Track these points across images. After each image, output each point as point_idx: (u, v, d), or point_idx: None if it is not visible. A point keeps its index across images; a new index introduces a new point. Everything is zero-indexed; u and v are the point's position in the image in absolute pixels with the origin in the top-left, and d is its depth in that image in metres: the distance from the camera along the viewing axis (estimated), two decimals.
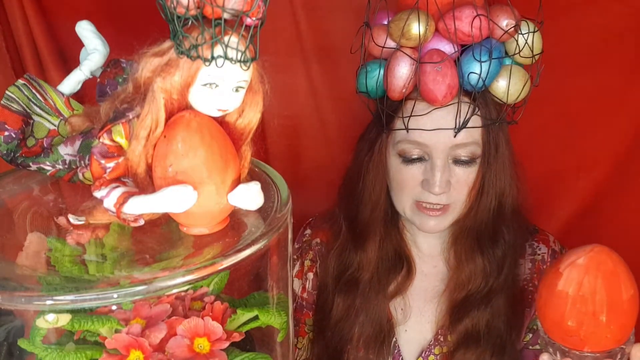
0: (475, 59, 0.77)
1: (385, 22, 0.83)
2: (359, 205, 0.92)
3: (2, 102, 0.57)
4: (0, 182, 0.62)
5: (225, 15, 0.46)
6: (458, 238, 0.91)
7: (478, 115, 0.81)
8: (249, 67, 0.48)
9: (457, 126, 0.80)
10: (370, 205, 0.91)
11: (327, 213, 1.01)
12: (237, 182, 0.51)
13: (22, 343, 0.53)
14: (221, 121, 0.51)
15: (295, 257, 1.02)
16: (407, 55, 0.79)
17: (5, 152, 0.57)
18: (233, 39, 0.47)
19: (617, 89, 1.09)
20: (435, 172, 0.82)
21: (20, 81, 0.59)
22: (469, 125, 0.80)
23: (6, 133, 0.57)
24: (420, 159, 0.84)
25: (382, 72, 0.82)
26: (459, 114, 0.80)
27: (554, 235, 0.97)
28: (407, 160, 0.84)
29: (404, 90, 0.80)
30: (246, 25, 0.47)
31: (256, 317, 0.59)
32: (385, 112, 0.84)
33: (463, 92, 0.80)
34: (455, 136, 0.81)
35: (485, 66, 0.77)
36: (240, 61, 0.47)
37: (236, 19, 0.47)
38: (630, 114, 1.10)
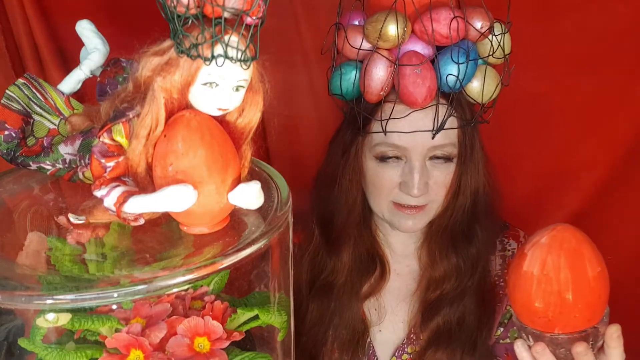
0: (454, 60, 0.77)
1: (357, 22, 0.82)
2: (334, 210, 0.91)
3: (2, 101, 0.57)
4: (0, 181, 0.62)
5: (226, 14, 0.46)
6: (432, 237, 0.92)
7: (454, 116, 0.82)
8: (249, 67, 0.48)
9: (435, 128, 0.80)
10: (346, 209, 0.90)
11: (300, 213, 1.00)
12: (238, 181, 0.51)
13: (23, 342, 0.53)
14: (221, 120, 0.51)
15: None
16: (385, 57, 0.78)
17: (5, 151, 0.57)
18: (233, 38, 0.47)
19: (618, 89, 1.09)
20: (413, 175, 0.82)
21: (21, 80, 0.59)
22: (446, 126, 0.81)
23: (6, 132, 0.57)
24: (396, 158, 0.84)
25: (357, 74, 0.81)
26: (437, 116, 0.80)
27: None
28: (385, 163, 0.84)
29: (381, 93, 0.80)
30: (246, 25, 0.47)
31: (256, 317, 0.59)
32: (363, 113, 0.83)
33: (440, 94, 0.80)
34: (433, 138, 0.81)
35: (462, 67, 0.77)
36: (240, 60, 0.47)
37: (236, 18, 0.47)
38: (630, 114, 1.10)
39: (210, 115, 0.50)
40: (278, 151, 1.19)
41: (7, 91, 0.58)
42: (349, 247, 0.92)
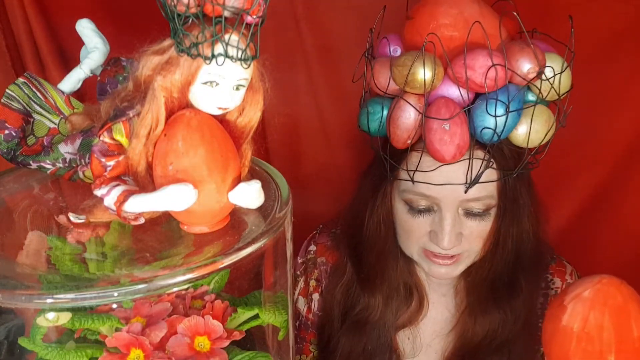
0: (489, 113, 0.67)
1: (387, 52, 0.75)
2: (363, 249, 0.87)
3: (2, 100, 0.57)
4: (0, 180, 0.62)
5: (226, 13, 0.46)
6: (470, 288, 0.86)
7: (493, 168, 0.74)
8: (249, 66, 0.48)
9: (469, 182, 0.72)
10: (376, 250, 0.86)
11: (331, 225, 0.97)
12: (238, 180, 0.51)
13: (23, 342, 0.53)
14: (222, 119, 0.51)
15: (299, 272, 0.98)
16: (412, 105, 0.70)
17: (5, 150, 0.57)
18: (234, 37, 0.47)
19: (618, 89, 1.09)
20: (444, 226, 0.75)
21: (21, 79, 0.59)
22: (482, 179, 0.72)
23: (6, 131, 0.57)
24: (428, 210, 0.78)
25: (385, 113, 0.73)
26: (470, 170, 0.71)
27: (553, 235, 0.96)
28: (414, 211, 0.78)
29: (408, 142, 0.72)
30: (247, 24, 0.47)
31: (256, 316, 0.59)
32: (389, 160, 0.76)
33: (476, 145, 0.71)
34: (466, 192, 0.74)
35: (500, 120, 0.67)
36: (240, 59, 0.47)
37: (237, 17, 0.47)
38: (630, 113, 1.10)
39: (210, 115, 0.50)
40: (278, 151, 1.19)
41: (7, 90, 0.58)
42: (384, 284, 0.87)
